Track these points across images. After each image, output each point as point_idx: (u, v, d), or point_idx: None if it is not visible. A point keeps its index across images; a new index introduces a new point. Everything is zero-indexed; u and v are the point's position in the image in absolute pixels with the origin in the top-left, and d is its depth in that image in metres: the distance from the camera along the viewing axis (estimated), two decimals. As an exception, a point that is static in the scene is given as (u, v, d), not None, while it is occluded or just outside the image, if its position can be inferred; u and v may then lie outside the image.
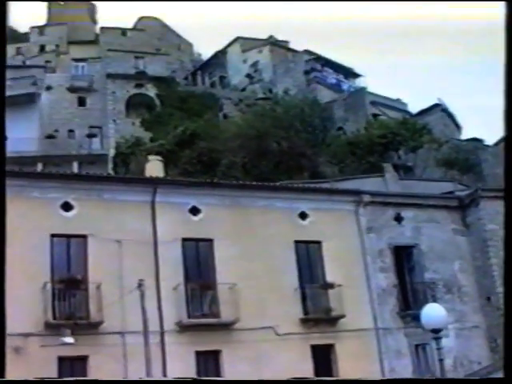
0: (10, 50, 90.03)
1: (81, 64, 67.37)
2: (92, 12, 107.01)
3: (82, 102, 62.34)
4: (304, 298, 26.45)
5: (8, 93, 57.17)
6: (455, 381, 18.50)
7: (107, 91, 62.10)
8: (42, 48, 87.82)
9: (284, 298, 25.86)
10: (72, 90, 62.58)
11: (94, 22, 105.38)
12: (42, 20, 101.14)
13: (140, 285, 21.63)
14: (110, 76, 62.95)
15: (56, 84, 62.84)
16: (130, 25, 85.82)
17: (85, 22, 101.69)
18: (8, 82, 60.02)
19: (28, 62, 79.37)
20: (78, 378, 19.72)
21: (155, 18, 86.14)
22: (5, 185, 9.46)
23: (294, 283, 26.42)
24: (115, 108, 61.15)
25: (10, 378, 8.97)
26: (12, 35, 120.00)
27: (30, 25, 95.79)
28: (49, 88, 62.07)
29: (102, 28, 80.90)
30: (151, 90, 63.18)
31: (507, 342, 9.37)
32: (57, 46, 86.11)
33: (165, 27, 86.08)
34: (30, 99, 59.51)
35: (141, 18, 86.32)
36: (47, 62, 76.39)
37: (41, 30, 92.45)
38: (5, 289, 9.65)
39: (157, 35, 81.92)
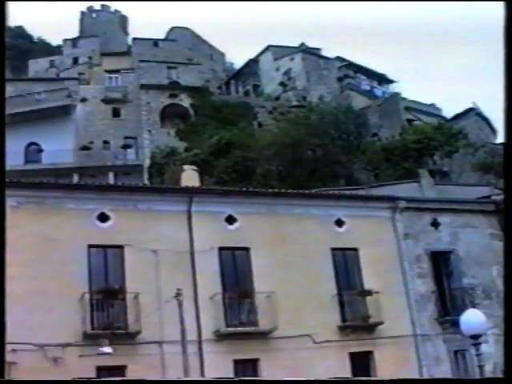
0: (44, 62, 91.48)
1: (114, 75, 67.94)
2: (124, 23, 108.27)
3: (116, 113, 62.94)
4: (342, 305, 26.36)
5: (43, 105, 58.51)
6: (455, 381, 18.76)
7: (141, 102, 62.62)
8: (75, 60, 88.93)
9: (321, 305, 25.80)
10: (106, 101, 63.20)
11: (126, 33, 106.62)
12: (74, 33, 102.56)
13: (178, 294, 21.72)
14: (143, 87, 63.48)
15: (90, 96, 63.55)
16: (161, 35, 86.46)
17: (117, 33, 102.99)
18: (42, 95, 61.05)
19: (62, 75, 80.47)
20: (78, 378, 19.85)
21: (186, 29, 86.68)
22: (5, 186, 9.96)
23: (331, 290, 26.36)
24: (150, 118, 61.62)
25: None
26: (45, 48, 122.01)
27: (63, 37, 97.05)
28: (83, 100, 62.75)
29: (134, 39, 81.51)
30: (185, 100, 63.57)
31: (507, 342, 9.98)
32: (90, 58, 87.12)
33: (196, 37, 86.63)
34: (64, 111, 60.18)
35: (172, 29, 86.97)
36: (81, 74, 77.40)
37: (74, 42, 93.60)
38: (5, 289, 9.97)
39: (189, 45, 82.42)
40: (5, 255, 8.42)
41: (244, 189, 30.06)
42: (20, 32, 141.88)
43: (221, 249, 25.44)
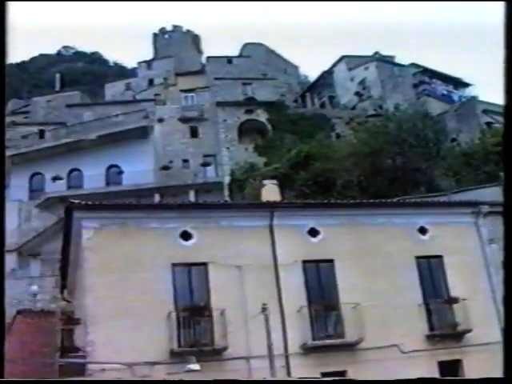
0: (120, 86, 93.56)
1: (190, 94, 68.81)
2: (196, 43, 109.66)
3: (194, 132, 63.69)
4: (429, 314, 26.07)
5: (121, 128, 59.68)
6: (455, 381, 18.86)
7: (218, 119, 63.22)
8: (151, 82, 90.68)
9: (408, 314, 25.54)
10: (183, 120, 64.05)
11: (200, 52, 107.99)
12: (148, 55, 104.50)
13: (264, 309, 21.78)
14: (219, 104, 64.12)
15: (167, 116, 64.53)
16: (235, 52, 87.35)
17: (190, 53, 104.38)
18: (120, 118, 62.38)
19: (138, 97, 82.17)
20: (78, 379, 19.74)
21: (260, 44, 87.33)
22: (4, 185, 10.07)
23: (417, 299, 26.10)
24: (227, 135, 62.14)
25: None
26: (120, 72, 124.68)
27: (137, 60, 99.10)
28: (160, 120, 63.74)
29: (208, 58, 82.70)
30: (262, 115, 63.90)
31: (507, 342, 10.05)
32: (165, 78, 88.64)
33: (270, 52, 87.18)
34: (142, 132, 61.29)
35: (245, 45, 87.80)
36: (156, 95, 78.84)
37: (148, 64, 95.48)
38: (4, 289, 10.24)
39: (262, 60, 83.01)
40: (4, 255, 8.54)
41: (325, 201, 30.03)
42: (96, 57, 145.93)
43: (304, 262, 25.43)
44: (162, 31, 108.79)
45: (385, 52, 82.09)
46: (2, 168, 10.76)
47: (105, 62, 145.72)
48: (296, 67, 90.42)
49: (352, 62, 77.68)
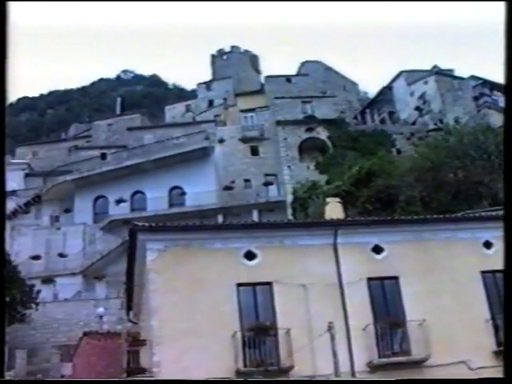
0: (180, 108, 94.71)
1: (249, 114, 69.38)
2: (255, 63, 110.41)
3: (254, 152, 64.21)
4: (496, 330, 25.47)
5: (182, 150, 60.53)
6: (455, 381, 18.92)
7: (278, 138, 63.60)
8: (210, 103, 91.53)
9: (475, 330, 25.14)
10: (244, 140, 64.64)
11: (258, 72, 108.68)
12: (207, 76, 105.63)
13: (330, 327, 21.76)
14: (279, 123, 64.48)
15: (228, 136, 65.18)
16: (293, 71, 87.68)
17: (249, 73, 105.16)
18: (181, 140, 63.33)
19: (198, 118, 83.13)
20: (78, 379, 19.55)
21: (318, 62, 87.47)
22: (5, 185, 11.24)
23: (484, 315, 25.63)
24: (288, 154, 62.41)
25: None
26: (180, 94, 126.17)
27: (197, 82, 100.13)
28: (221, 141, 64.42)
29: (267, 77, 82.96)
30: (322, 133, 64.06)
31: (507, 342, 10.09)
32: (224, 99, 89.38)
33: (328, 69, 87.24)
34: (204, 154, 62.01)
35: (303, 63, 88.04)
36: (216, 115, 79.60)
37: (207, 85, 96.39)
38: (4, 289, 10.35)
39: (321, 78, 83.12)
40: (4, 255, 8.69)
41: (388, 217, 29.89)
42: (155, 80, 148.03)
43: (369, 279, 25.34)
44: (220, 52, 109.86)
45: (444, 65, 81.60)
46: (2, 168, 10.93)
47: (164, 84, 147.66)
48: (355, 84, 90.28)
49: (411, 76, 77.35)
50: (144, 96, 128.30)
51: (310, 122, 65.41)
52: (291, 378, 23.12)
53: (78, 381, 19.88)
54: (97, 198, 61.87)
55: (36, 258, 56.72)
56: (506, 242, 9.20)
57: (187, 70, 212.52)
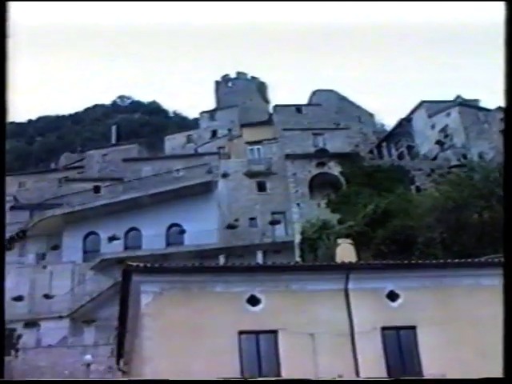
0: (180, 138, 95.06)
1: (256, 147, 69.52)
2: (262, 91, 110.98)
3: (261, 187, 64.26)
4: (522, 385, 25.39)
5: (182, 184, 60.63)
6: (455, 381, 19.70)
7: (287, 173, 63.56)
8: (214, 133, 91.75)
9: (500, 386, 25.00)
10: (250, 175, 64.74)
11: (266, 101, 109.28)
12: (210, 104, 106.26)
13: (339, 381, 21.71)
14: (288, 157, 64.52)
15: (232, 170, 65.28)
16: (304, 100, 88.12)
17: (256, 101, 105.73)
18: (181, 173, 63.48)
19: (200, 150, 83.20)
20: (78, 379, 19.59)
21: (330, 91, 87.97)
22: (5, 187, 12.03)
23: (509, 370, 25.53)
24: (298, 190, 62.35)
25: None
26: (181, 123, 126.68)
27: (199, 110, 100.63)
28: (225, 175, 64.53)
29: (276, 106, 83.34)
30: (334, 168, 64.05)
31: (507, 342, 10.62)
32: (229, 130, 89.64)
33: (342, 99, 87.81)
34: (206, 189, 62.10)
35: (315, 92, 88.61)
36: (220, 147, 79.63)
37: (211, 114, 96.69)
38: (4, 290, 11.72)
39: (334, 108, 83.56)
40: (4, 256, 9.29)
41: (405, 261, 29.76)
42: (154, 107, 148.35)
43: (383, 328, 25.27)
44: (225, 78, 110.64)
45: (468, 95, 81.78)
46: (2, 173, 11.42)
47: (164, 112, 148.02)
48: (371, 115, 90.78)
49: (432, 107, 77.36)
50: (142, 124, 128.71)
51: (321, 155, 65.40)
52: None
53: (78, 381, 20.12)
54: (87, 235, 61.78)
55: (19, 299, 56.12)
56: (505, 244, 10.66)
57: (189, 97, 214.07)
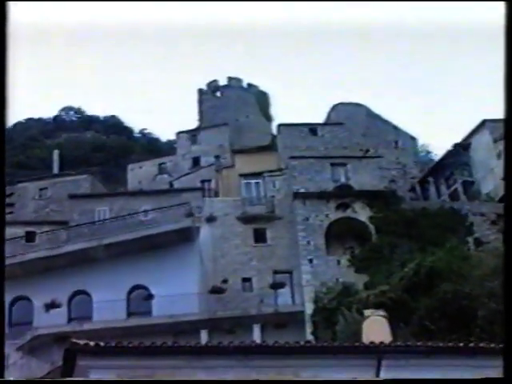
0: (150, 167, 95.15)
1: (253, 181, 69.45)
2: (264, 104, 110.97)
3: (260, 237, 64.20)
4: None
5: (151, 231, 60.50)
6: (455, 381, 22.47)
7: (296, 218, 63.54)
8: (196, 161, 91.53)
9: None
10: (245, 219, 64.77)
11: (268, 117, 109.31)
12: (191, 121, 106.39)
13: None
14: (298, 196, 64.56)
15: (221, 213, 65.25)
16: (320, 117, 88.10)
17: (254, 118, 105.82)
18: (150, 215, 63.33)
19: (176, 184, 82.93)
20: (78, 379, 21.81)
21: (357, 105, 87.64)
22: (4, 185, 14.56)
23: None
24: (310, 242, 62.31)
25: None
26: (150, 146, 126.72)
27: (176, 130, 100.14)
28: (211, 219, 64.49)
29: (281, 126, 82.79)
30: (361, 212, 64.04)
31: (507, 341, 12.88)
32: (216, 157, 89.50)
33: (372, 117, 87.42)
34: (183, 237, 61.91)
35: (336, 106, 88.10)
36: (204, 181, 79.46)
37: (192, 135, 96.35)
38: (4, 289, 14.09)
39: (361, 129, 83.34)
40: (4, 255, 12.86)
41: (460, 343, 29.58)
42: (113, 124, 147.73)
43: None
44: (212, 86, 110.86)
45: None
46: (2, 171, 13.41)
47: (127, 131, 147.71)
48: (413, 139, 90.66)
49: (498, 128, 77.17)
50: (96, 147, 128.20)
51: (343, 194, 65.47)
52: None
53: (78, 381, 20.66)
54: (15, 301, 61.08)
55: None
56: (505, 242, 12.91)
57: (162, 110, 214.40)
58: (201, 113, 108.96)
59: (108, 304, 58.49)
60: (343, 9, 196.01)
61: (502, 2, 11.10)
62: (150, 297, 59.93)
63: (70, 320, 59.85)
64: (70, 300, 60.85)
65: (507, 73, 12.55)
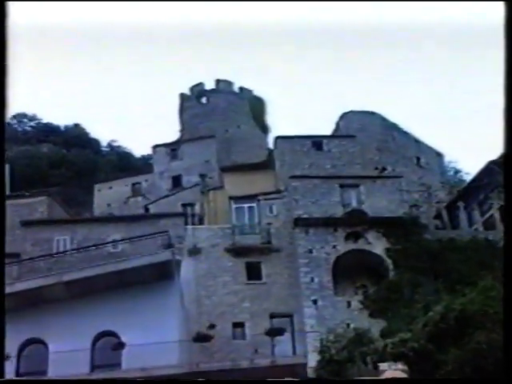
0: (122, 187, 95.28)
1: (246, 205, 69.49)
2: (259, 112, 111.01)
3: (253, 273, 64.31)
4: None
5: (121, 265, 60.28)
6: (455, 381, 27.25)
7: (297, 250, 63.48)
8: (176, 181, 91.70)
9: None
10: (235, 251, 64.89)
11: (264, 129, 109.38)
12: (172, 134, 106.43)
13: None
14: (299, 223, 64.47)
15: (206, 243, 65.29)
16: (326, 128, 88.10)
17: (246, 129, 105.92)
18: (121, 246, 63.39)
19: (153, 209, 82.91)
20: (78, 379, 20.76)
21: (370, 113, 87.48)
22: (4, 185, 20.45)
23: None
24: (314, 279, 62.33)
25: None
26: (121, 162, 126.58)
27: (152, 143, 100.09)
28: (194, 252, 64.49)
29: (279, 138, 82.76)
30: (376, 243, 64.00)
31: (507, 341, 14.40)
32: (202, 176, 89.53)
33: (389, 127, 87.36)
34: (161, 273, 61.55)
35: (345, 115, 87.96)
36: (187, 205, 79.45)
37: (172, 150, 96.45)
38: (4, 289, 16.55)
39: (376, 143, 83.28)
40: (4, 255, 15.05)
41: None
42: (77, 135, 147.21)
43: None
44: (197, 91, 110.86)
45: None
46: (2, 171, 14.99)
47: (93, 143, 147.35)
48: (438, 155, 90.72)
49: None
50: (55, 163, 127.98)
51: (354, 221, 65.38)
52: None
53: (78, 380, 22.05)
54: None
55: None
56: (505, 241, 14.15)
57: (136, 120, 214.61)
58: (183, 122, 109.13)
59: (68, 355, 57.99)
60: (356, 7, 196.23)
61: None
62: (120, 346, 59.53)
63: (18, 376, 59.42)
64: (20, 350, 60.41)
65: (507, 73, 13.86)
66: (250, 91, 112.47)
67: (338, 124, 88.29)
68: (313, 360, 57.21)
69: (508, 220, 15.83)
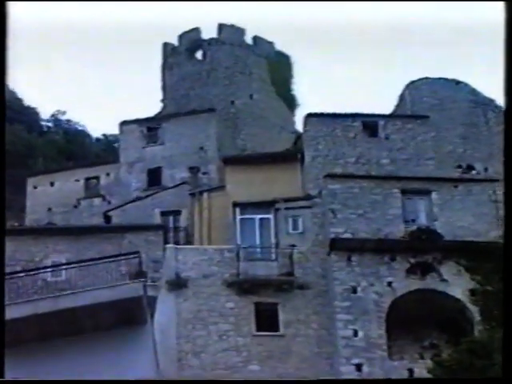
0: (70, 183, 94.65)
1: (258, 216, 69.32)
2: (283, 77, 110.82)
3: (266, 320, 65.29)
4: None
5: (67, 303, 60.13)
6: (455, 381, 35.45)
7: (333, 288, 63.80)
8: (154, 176, 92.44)
9: None
10: (239, 286, 65.85)
11: (290, 102, 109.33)
12: (150, 107, 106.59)
13: None
14: (337, 246, 65.37)
15: (196, 273, 66.23)
16: (383, 105, 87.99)
17: (265, 104, 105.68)
18: (66, 272, 62.80)
19: (116, 217, 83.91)
20: (77, 379, 29.87)
21: (456, 82, 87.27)
22: (5, 183, 23.36)
23: None
24: (357, 332, 63.65)
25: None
26: (73, 147, 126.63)
27: (120, 118, 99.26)
28: (176, 285, 64.38)
29: (310, 116, 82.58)
30: (454, 281, 64.19)
31: (507, 342, 18.90)
32: (192, 170, 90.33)
33: (481, 105, 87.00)
34: (124, 316, 61.04)
35: (412, 84, 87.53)
36: (168, 213, 79.72)
37: (148, 130, 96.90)
38: (4, 289, 32.28)
39: (459, 127, 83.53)
40: (4, 254, 22.89)
41: None
42: (12, 104, 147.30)
43: None
44: (189, 41, 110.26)
45: None
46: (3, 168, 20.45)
47: (27, 114, 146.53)
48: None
49: None
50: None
51: (421, 246, 64.68)
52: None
53: (78, 381, 32.57)
54: None
55: None
56: (505, 239, 19.96)
57: (93, 83, 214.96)
58: (166, 88, 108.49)
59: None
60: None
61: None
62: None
63: None
64: None
65: (507, 73, 17.05)
66: (269, 44, 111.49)
67: (401, 98, 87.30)
68: None
69: (508, 220, 19.82)
